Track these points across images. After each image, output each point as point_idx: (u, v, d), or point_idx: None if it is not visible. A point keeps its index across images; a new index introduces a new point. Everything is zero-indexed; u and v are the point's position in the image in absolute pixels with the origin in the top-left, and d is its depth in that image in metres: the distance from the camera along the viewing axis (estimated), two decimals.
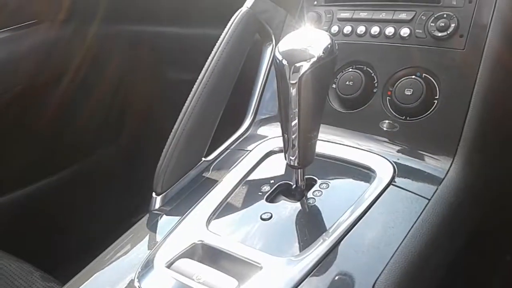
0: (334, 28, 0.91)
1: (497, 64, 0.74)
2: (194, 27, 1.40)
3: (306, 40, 0.64)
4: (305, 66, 0.61)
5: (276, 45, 0.98)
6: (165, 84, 1.63)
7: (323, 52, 0.62)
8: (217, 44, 0.91)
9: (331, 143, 0.81)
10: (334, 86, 0.87)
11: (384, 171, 0.73)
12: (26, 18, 1.43)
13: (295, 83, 0.62)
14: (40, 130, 1.43)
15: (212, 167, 0.84)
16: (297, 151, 0.66)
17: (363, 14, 0.88)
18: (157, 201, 0.79)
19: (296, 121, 0.64)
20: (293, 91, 0.63)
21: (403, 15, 0.84)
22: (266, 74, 0.97)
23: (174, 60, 1.57)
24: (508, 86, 0.76)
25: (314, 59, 0.61)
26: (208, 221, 0.71)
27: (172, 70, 1.60)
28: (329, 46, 0.63)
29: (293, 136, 0.65)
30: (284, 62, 0.62)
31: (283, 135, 0.67)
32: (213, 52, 0.90)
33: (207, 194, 0.76)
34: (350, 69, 0.86)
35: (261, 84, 0.97)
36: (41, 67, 1.43)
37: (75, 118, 1.52)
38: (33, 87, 1.42)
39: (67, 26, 1.50)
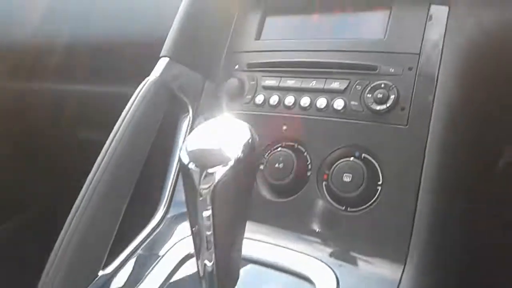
0: (259, 98, 0.78)
1: (446, 142, 0.64)
2: (108, 86, 1.24)
3: (219, 136, 0.50)
4: (219, 171, 0.47)
5: (194, 115, 0.85)
6: (76, 144, 1.45)
7: (242, 152, 0.48)
8: (119, 120, 0.75)
9: (261, 242, 0.67)
10: (261, 167, 0.74)
11: (324, 283, 0.59)
12: None
13: (207, 192, 0.48)
14: None
15: (112, 282, 0.66)
16: (215, 279, 0.51)
17: (290, 82, 0.77)
18: None
19: (212, 240, 0.49)
20: (204, 203, 0.48)
21: (335, 84, 0.73)
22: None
23: (86, 119, 1.40)
24: (461, 167, 0.66)
25: (232, 162, 0.47)
26: None
27: (83, 130, 1.43)
28: (249, 141, 0.49)
29: (210, 264, 0.50)
30: (192, 166, 0.48)
31: (196, 261, 0.51)
32: (114, 130, 0.74)
33: None
34: (280, 148, 0.73)
35: (176, 167, 0.81)
36: None
37: None
38: None
39: None
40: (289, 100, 0.75)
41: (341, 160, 0.67)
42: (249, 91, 0.80)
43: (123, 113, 0.76)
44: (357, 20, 0.76)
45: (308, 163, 0.71)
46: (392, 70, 0.69)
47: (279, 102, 0.76)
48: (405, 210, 0.63)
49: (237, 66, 0.83)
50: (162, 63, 0.80)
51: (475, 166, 0.67)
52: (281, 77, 0.78)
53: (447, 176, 0.64)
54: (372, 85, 0.70)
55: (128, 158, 0.73)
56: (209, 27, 0.85)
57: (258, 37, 0.83)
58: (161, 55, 0.81)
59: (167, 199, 0.77)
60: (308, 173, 0.71)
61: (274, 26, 0.83)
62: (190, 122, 0.83)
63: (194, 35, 0.82)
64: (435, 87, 0.66)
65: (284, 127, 0.75)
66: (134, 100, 0.76)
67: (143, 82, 0.79)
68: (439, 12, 0.70)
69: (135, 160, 0.75)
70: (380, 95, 0.68)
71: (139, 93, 0.77)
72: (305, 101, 0.74)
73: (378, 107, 0.68)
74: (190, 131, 0.82)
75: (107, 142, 0.72)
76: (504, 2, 0.67)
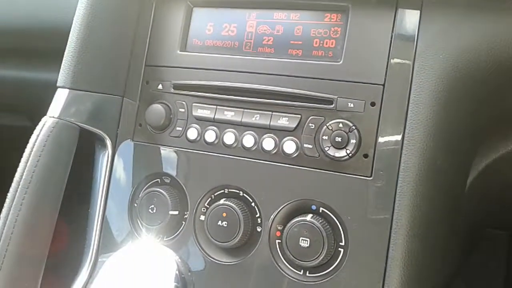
0: (192, 132, 0.64)
1: (417, 195, 0.55)
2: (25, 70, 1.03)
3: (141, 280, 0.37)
4: None
5: (113, 147, 0.70)
6: None
7: None
8: (20, 168, 0.61)
9: None
10: (202, 218, 0.62)
11: None
12: None
13: None
14: None
15: None
16: None
17: (229, 115, 0.62)
18: None
19: None
20: None
21: (284, 121, 0.60)
22: (103, 194, 0.68)
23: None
24: (436, 227, 0.58)
25: None
26: None
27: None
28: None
29: None
30: None
31: None
32: (16, 179, 0.60)
33: None
34: (222, 200, 0.61)
35: (99, 209, 0.68)
36: None
37: None
38: None
39: None
40: (229, 137, 0.62)
41: (297, 220, 0.56)
42: (178, 122, 0.65)
43: (23, 159, 0.61)
44: (307, 30, 0.61)
45: (257, 216, 0.60)
46: (351, 106, 0.57)
47: (217, 139, 0.62)
48: (373, 277, 0.55)
49: (160, 86, 0.67)
50: (61, 97, 0.62)
51: (452, 225, 0.59)
52: (216, 105, 0.63)
53: (420, 237, 0.55)
54: (328, 124, 0.57)
55: (39, 204, 0.61)
56: (116, 36, 0.66)
57: (183, 47, 0.66)
58: (58, 85, 0.63)
59: (93, 246, 0.65)
60: (259, 228, 0.60)
61: (202, 31, 0.66)
62: (109, 157, 0.68)
63: (97, 51, 0.64)
64: (404, 127, 0.55)
65: (226, 170, 0.62)
66: (34, 145, 0.61)
67: (42, 122, 0.62)
68: (408, 23, 0.56)
69: (47, 206, 0.62)
70: (338, 139, 0.56)
71: (38, 136, 0.61)
72: (248, 140, 0.61)
73: (337, 154, 0.56)
74: (111, 168, 0.68)
75: (11, 192, 0.61)
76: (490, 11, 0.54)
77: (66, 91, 0.63)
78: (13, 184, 0.60)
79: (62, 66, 0.62)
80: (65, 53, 0.62)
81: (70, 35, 0.63)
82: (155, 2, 0.68)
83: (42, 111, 0.71)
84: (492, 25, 0.53)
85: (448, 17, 0.54)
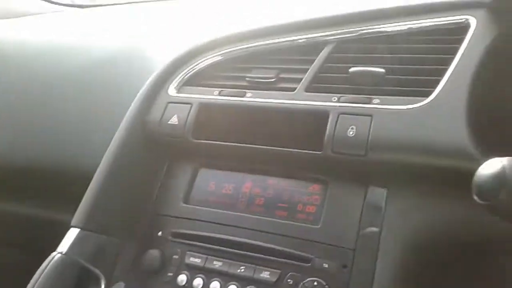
0: (181, 278, 0.69)
1: None
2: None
3: None
4: None
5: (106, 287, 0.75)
6: None
7: None
8: None
9: None
10: None
11: None
12: None
13: None
14: None
15: None
16: None
17: (217, 264, 0.68)
18: None
19: None
20: None
21: (265, 275, 0.66)
22: None
23: None
24: None
25: None
26: None
27: None
28: None
29: None
30: None
31: None
32: None
33: None
34: None
35: None
36: None
37: None
38: None
39: None
40: (215, 286, 0.67)
41: None
42: (170, 268, 0.71)
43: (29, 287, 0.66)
44: (293, 195, 0.71)
45: None
46: (326, 266, 0.63)
47: (203, 287, 0.68)
48: None
49: (160, 233, 0.75)
50: (71, 235, 0.70)
51: None
52: (207, 255, 0.70)
53: None
54: (304, 282, 0.63)
55: None
56: (130, 187, 0.77)
57: (186, 200, 0.76)
58: (72, 224, 0.71)
59: None
60: None
61: (205, 188, 0.77)
62: None
63: (111, 199, 0.74)
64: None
65: None
66: (40, 276, 0.66)
67: (50, 256, 0.68)
68: (376, 198, 0.66)
69: None
70: None
71: (44, 269, 0.67)
72: None
73: None
74: None
75: None
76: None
77: (77, 230, 0.70)
78: None
79: (79, 207, 0.71)
80: (85, 196, 0.72)
81: (93, 182, 0.73)
82: (168, 162, 0.80)
83: (39, 247, 0.76)
84: (447, 210, 0.62)
85: (408, 199, 0.64)
